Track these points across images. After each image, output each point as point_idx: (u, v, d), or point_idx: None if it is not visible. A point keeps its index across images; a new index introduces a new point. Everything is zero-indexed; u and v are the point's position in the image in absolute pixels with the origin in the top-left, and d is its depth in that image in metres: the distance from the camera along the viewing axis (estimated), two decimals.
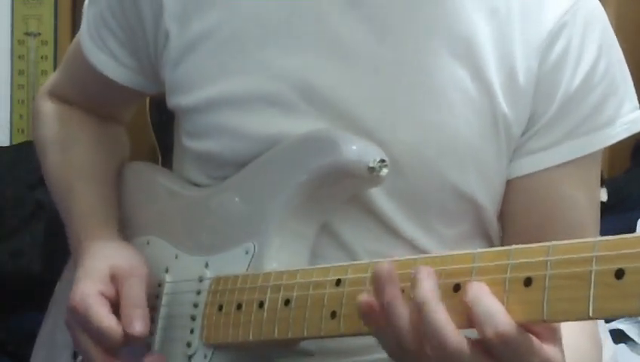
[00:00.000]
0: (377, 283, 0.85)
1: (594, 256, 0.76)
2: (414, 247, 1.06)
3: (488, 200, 1.08)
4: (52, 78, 1.32)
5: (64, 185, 1.22)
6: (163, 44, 1.11)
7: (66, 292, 1.22)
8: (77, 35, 1.23)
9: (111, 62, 1.17)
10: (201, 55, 1.08)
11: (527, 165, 1.07)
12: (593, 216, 1.11)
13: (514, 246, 0.83)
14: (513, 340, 0.79)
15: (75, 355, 1.18)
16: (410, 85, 1.04)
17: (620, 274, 0.75)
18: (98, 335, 1.05)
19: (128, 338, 1.04)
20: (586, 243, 0.78)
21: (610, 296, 0.75)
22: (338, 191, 1.04)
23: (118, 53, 1.16)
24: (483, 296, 0.81)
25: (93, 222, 1.17)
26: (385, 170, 0.99)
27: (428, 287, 0.83)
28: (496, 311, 0.80)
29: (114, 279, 1.08)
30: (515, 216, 1.09)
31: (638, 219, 2.33)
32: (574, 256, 0.78)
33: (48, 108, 1.29)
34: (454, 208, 1.07)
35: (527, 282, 0.80)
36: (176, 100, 1.11)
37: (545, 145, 1.06)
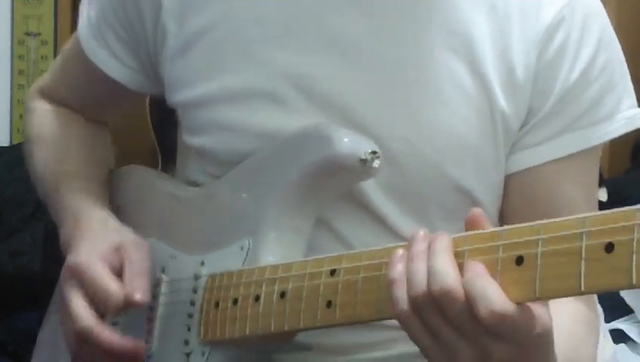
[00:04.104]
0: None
1: (583, 231, 0.77)
2: None
3: (486, 196, 1.08)
4: (42, 78, 1.32)
5: (53, 182, 1.21)
6: (162, 42, 1.11)
7: None
8: (73, 35, 1.23)
9: (112, 61, 1.17)
10: (199, 52, 1.09)
11: (524, 159, 1.07)
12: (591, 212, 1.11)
13: (505, 227, 0.84)
14: (507, 317, 0.80)
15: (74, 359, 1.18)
16: (408, 81, 1.04)
17: (609, 248, 0.76)
18: (99, 297, 1.05)
19: (127, 305, 1.04)
20: (576, 219, 0.79)
21: (600, 271, 0.76)
22: (332, 184, 1.04)
23: (119, 52, 1.16)
24: (479, 275, 0.82)
25: (90, 207, 1.16)
26: (377, 162, 0.99)
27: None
28: (491, 291, 0.81)
29: (119, 249, 1.08)
30: (513, 212, 1.10)
31: None
32: (564, 233, 0.79)
33: (40, 106, 1.29)
34: (452, 204, 1.07)
35: (519, 261, 0.81)
36: (174, 96, 1.12)
37: (542, 139, 1.07)
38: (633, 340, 2.21)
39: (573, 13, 1.06)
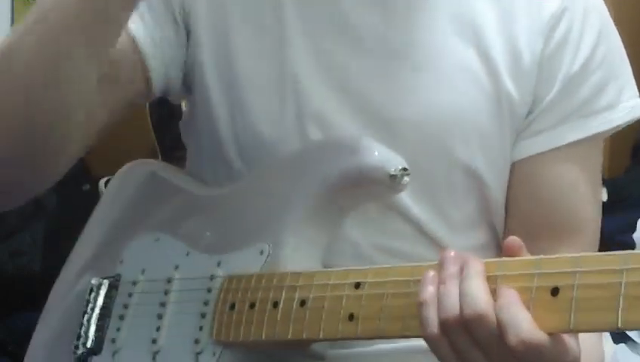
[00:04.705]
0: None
1: (624, 268, 0.77)
2: (422, 233, 1.08)
3: (492, 178, 1.10)
4: None
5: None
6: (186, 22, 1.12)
7: (64, 292, 1.22)
8: None
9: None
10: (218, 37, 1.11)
11: (528, 147, 1.10)
12: (594, 205, 1.13)
13: (541, 256, 0.84)
14: (536, 346, 0.81)
15: (76, 347, 1.18)
16: (416, 65, 1.07)
17: None
18: None
19: None
20: (616, 255, 0.79)
21: (639, 308, 0.76)
22: (357, 196, 1.04)
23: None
24: (512, 303, 0.82)
25: None
26: (406, 179, 0.99)
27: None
28: (522, 318, 0.81)
29: None
30: (518, 202, 1.12)
31: (638, 219, 2.33)
32: (603, 267, 0.79)
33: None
34: (461, 186, 1.09)
35: (555, 292, 0.81)
36: (193, 81, 1.13)
37: (546, 127, 1.09)
38: (633, 340, 2.21)
39: (574, 3, 1.09)
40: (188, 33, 1.13)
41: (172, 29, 1.12)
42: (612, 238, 2.16)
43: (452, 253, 0.88)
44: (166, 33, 1.12)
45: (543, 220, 1.09)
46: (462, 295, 0.84)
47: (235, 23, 1.11)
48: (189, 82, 1.14)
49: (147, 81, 1.12)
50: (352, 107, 1.07)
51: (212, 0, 1.12)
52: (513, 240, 0.88)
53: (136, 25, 1.09)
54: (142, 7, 1.07)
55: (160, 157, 2.45)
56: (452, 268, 0.86)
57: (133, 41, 1.10)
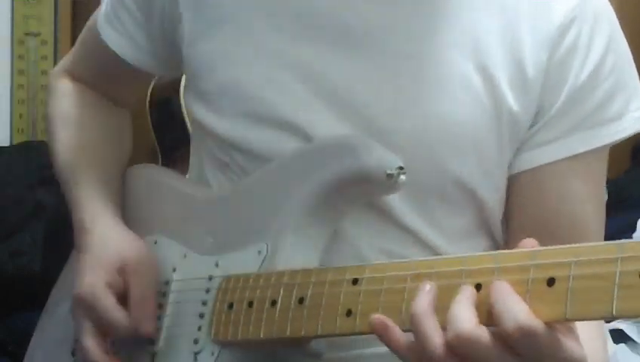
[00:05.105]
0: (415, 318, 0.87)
1: (619, 257, 0.78)
2: (418, 241, 1.08)
3: (488, 193, 1.09)
4: (67, 56, 1.36)
5: (72, 166, 1.24)
6: (176, 24, 1.14)
7: (65, 291, 1.22)
8: (94, 14, 1.27)
9: (125, 43, 1.21)
10: (213, 44, 1.11)
11: (533, 158, 1.08)
12: (598, 213, 1.12)
13: (538, 248, 0.84)
14: (534, 333, 0.81)
15: (74, 352, 1.18)
16: (415, 76, 1.06)
17: None
18: (105, 327, 1.08)
19: (135, 334, 1.07)
20: (611, 245, 0.79)
21: (633, 296, 0.77)
22: (354, 196, 1.04)
23: (134, 34, 1.20)
24: (505, 294, 0.82)
25: (99, 207, 1.18)
26: (403, 178, 0.99)
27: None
28: (517, 308, 0.81)
29: (121, 271, 1.10)
30: (520, 210, 1.11)
31: (638, 219, 2.33)
32: (599, 257, 0.79)
33: (65, 86, 1.32)
34: (454, 198, 1.08)
35: (551, 282, 0.81)
36: (192, 84, 1.14)
37: (551, 138, 1.07)
38: (633, 340, 2.21)
39: (585, 12, 1.07)
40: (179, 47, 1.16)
41: (166, 51, 1.19)
42: (612, 239, 2.16)
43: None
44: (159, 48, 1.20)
45: (547, 229, 1.08)
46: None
47: (233, 34, 1.10)
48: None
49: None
50: (346, 117, 1.06)
51: (198, 11, 1.12)
52: (527, 241, 0.87)
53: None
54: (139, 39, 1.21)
55: (160, 157, 2.45)
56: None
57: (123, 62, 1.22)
